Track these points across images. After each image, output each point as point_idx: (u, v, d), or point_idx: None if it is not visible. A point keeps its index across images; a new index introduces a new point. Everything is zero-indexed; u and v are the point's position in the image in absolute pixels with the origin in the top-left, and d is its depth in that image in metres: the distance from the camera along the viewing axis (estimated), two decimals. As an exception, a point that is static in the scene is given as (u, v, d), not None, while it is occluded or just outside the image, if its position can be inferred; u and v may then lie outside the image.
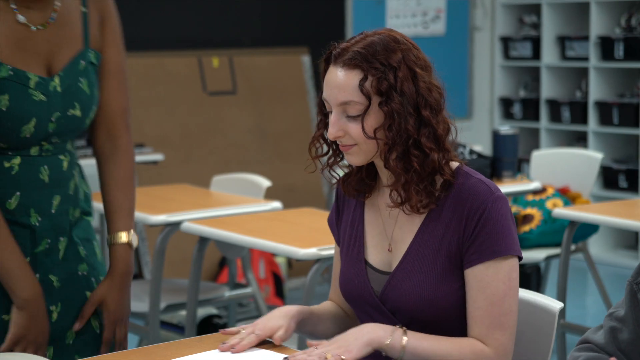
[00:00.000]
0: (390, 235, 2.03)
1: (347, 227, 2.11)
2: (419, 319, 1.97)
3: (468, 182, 1.95)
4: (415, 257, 1.98)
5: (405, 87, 1.92)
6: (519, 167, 6.44)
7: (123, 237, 2.24)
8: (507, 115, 7.17)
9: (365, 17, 6.57)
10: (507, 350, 1.93)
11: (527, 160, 6.25)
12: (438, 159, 1.94)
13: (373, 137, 1.93)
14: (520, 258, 1.96)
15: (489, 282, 1.92)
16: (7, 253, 2.11)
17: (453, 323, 1.97)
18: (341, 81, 1.93)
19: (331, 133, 1.96)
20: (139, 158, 5.39)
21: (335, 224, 2.15)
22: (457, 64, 7.06)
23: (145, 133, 5.77)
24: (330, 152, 2.05)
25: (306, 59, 6.29)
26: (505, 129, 4.61)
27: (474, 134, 7.00)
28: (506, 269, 1.92)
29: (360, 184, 2.06)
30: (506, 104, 7.17)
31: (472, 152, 4.50)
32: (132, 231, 2.26)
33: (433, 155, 1.93)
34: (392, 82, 1.91)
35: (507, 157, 4.54)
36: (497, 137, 4.56)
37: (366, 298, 2.03)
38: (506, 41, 7.11)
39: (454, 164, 1.98)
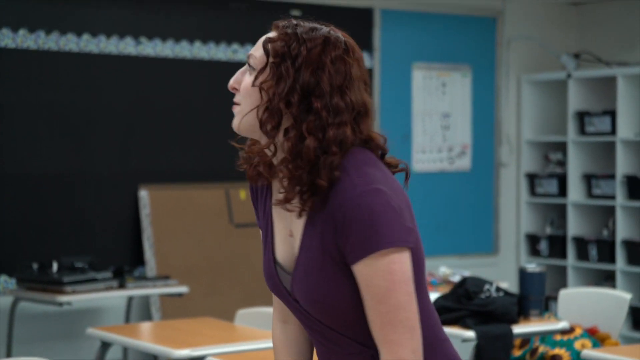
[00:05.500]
0: (289, 228, 1.93)
1: (262, 218, 2.01)
2: (328, 324, 1.87)
3: (346, 177, 1.83)
4: (305, 259, 1.87)
5: (304, 66, 1.84)
6: (547, 305, 6.37)
7: None
8: (534, 252, 7.14)
9: (391, 152, 6.61)
10: (407, 350, 1.80)
11: (555, 298, 6.19)
12: (315, 149, 1.81)
13: (257, 85, 1.86)
14: (410, 248, 1.81)
15: (370, 280, 1.79)
16: None
17: (363, 328, 1.85)
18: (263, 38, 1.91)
19: (229, 83, 1.92)
20: (164, 290, 5.38)
21: (256, 205, 2.03)
22: (482, 200, 7.07)
23: (171, 265, 5.77)
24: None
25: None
26: (532, 266, 4.57)
27: (500, 270, 6.96)
28: (384, 264, 1.78)
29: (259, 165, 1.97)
30: (532, 240, 7.15)
31: (498, 289, 4.45)
32: None
33: (309, 142, 1.81)
34: (292, 52, 1.85)
35: (534, 296, 4.48)
36: (523, 275, 4.52)
37: (286, 298, 1.95)
38: (532, 178, 7.14)
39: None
